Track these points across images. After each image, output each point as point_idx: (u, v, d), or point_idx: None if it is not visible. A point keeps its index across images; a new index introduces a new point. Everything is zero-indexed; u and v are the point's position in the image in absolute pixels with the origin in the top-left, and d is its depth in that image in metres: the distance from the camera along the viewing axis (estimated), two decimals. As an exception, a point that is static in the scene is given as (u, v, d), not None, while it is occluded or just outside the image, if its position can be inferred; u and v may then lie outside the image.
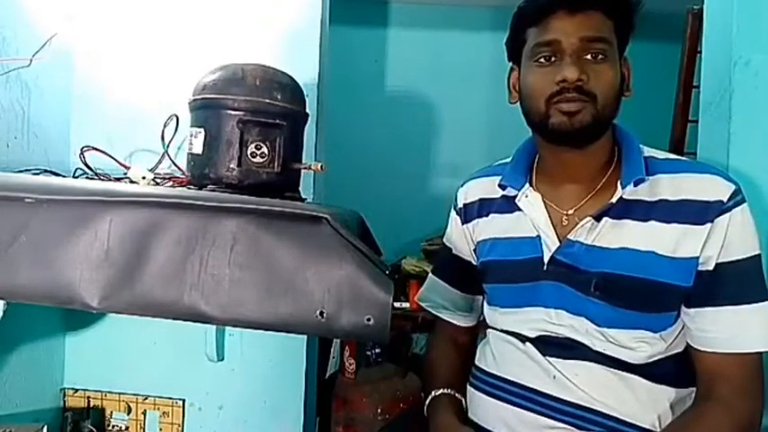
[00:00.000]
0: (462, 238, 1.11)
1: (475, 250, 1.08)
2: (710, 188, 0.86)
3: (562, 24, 0.87)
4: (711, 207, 0.84)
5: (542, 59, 0.89)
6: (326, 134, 1.62)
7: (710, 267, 0.84)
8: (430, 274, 1.18)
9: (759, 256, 0.85)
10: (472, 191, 1.10)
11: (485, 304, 1.08)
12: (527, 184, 0.98)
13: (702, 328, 0.85)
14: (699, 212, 0.84)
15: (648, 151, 0.94)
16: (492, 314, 1.03)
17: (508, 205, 1.01)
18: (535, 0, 0.91)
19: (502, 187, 1.02)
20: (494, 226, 1.03)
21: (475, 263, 1.09)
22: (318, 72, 1.49)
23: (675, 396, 0.89)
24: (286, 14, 1.49)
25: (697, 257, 0.84)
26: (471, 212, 1.08)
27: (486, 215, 1.05)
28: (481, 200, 1.07)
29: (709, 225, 0.83)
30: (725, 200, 0.84)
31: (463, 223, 1.10)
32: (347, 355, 1.97)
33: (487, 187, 1.06)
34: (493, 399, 0.97)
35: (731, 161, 1.11)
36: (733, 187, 0.86)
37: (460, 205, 1.11)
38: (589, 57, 0.87)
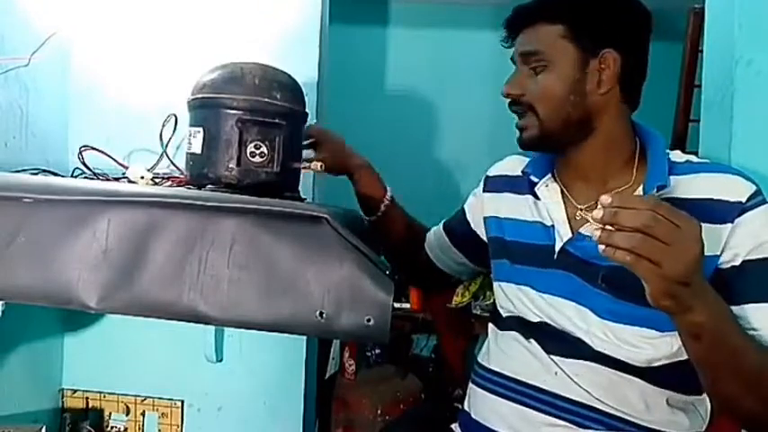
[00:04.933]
0: (477, 204, 1.17)
1: (485, 221, 1.12)
2: (730, 188, 0.85)
3: (515, 42, 0.96)
4: (732, 207, 0.84)
5: None
6: (326, 134, 1.61)
7: (737, 264, 0.83)
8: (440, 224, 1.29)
9: None
10: (502, 166, 1.14)
11: (493, 283, 1.10)
12: (549, 175, 1.00)
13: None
14: (718, 212, 0.84)
15: (674, 155, 0.94)
16: (501, 291, 1.04)
17: (528, 188, 1.03)
18: None
19: (524, 173, 1.04)
20: (513, 204, 1.05)
21: (473, 228, 1.17)
22: (318, 71, 1.49)
23: (677, 398, 0.89)
24: (285, 13, 1.48)
25: (716, 256, 0.83)
26: (493, 185, 1.13)
27: (507, 191, 1.08)
28: (506, 176, 1.11)
29: (729, 225, 0.83)
30: (744, 200, 0.84)
31: (483, 191, 1.15)
32: (347, 356, 1.97)
33: (516, 166, 1.09)
34: (493, 395, 0.97)
35: (733, 161, 1.11)
36: (754, 188, 0.86)
37: (488, 174, 1.16)
38: (529, 70, 0.93)
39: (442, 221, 1.28)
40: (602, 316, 0.88)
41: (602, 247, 0.68)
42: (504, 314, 1.02)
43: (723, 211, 0.84)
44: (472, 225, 1.19)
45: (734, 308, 0.82)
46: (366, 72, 2.75)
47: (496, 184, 1.12)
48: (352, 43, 2.62)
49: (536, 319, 0.95)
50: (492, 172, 1.15)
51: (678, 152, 0.95)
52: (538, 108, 0.92)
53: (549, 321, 0.93)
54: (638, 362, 0.87)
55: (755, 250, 0.83)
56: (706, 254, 0.83)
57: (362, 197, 1.23)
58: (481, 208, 1.14)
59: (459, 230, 1.22)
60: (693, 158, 0.94)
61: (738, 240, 0.83)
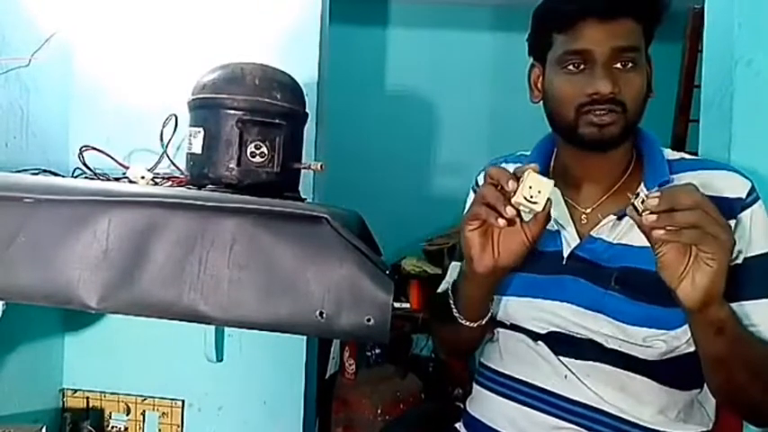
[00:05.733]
0: None
1: None
2: (729, 185, 0.86)
3: (593, 33, 0.85)
4: (733, 203, 0.85)
5: (571, 66, 0.87)
6: (326, 134, 1.62)
7: (739, 261, 0.84)
8: (452, 262, 1.12)
9: None
10: None
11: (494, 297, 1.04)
12: None
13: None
14: (720, 209, 0.84)
15: (667, 153, 0.94)
16: (502, 305, 0.99)
17: None
18: (561, 3, 0.89)
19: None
20: None
21: None
22: (318, 71, 1.49)
23: (683, 399, 0.89)
24: (286, 13, 1.48)
25: None
26: None
27: None
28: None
29: (732, 222, 0.83)
30: (743, 196, 0.85)
31: None
32: (347, 356, 1.97)
33: None
34: (500, 397, 0.96)
35: (733, 161, 1.11)
36: (749, 184, 0.87)
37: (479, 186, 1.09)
38: (619, 65, 0.86)
39: (452, 262, 1.11)
40: (616, 318, 0.87)
41: (660, 232, 0.69)
42: (509, 323, 1.00)
43: (725, 208, 0.83)
44: None
45: (733, 304, 0.82)
46: (366, 72, 2.75)
47: None
48: (352, 43, 2.62)
49: (543, 331, 0.93)
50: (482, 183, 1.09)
51: (670, 150, 0.95)
52: (628, 105, 0.86)
53: (557, 330, 0.92)
54: (648, 356, 0.87)
55: (755, 247, 0.84)
56: None
57: (481, 298, 0.92)
58: None
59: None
60: (686, 156, 0.95)
61: (739, 236, 0.84)
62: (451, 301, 0.94)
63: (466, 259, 0.84)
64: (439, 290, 1.12)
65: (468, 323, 0.92)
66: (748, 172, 0.90)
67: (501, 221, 0.77)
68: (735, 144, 1.12)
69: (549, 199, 0.75)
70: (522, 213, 0.78)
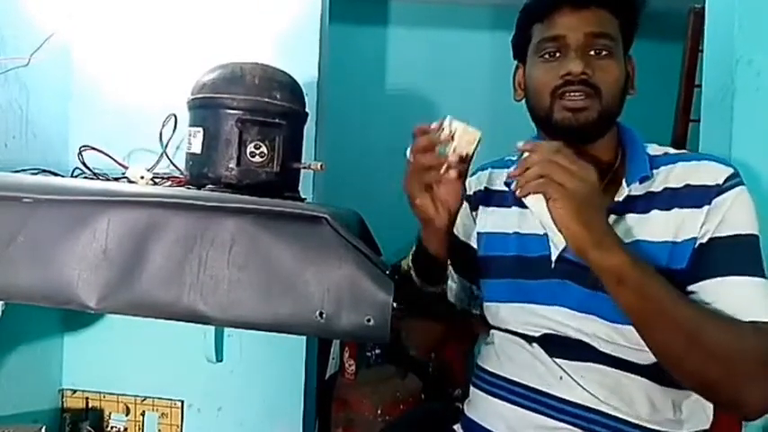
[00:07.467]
0: (470, 222, 1.10)
1: (478, 239, 1.08)
2: (709, 173, 0.87)
3: (567, 20, 0.89)
4: (710, 190, 0.85)
5: (547, 55, 0.91)
6: (326, 134, 1.62)
7: (704, 241, 0.84)
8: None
9: (756, 237, 0.85)
10: (476, 181, 1.11)
11: (484, 303, 1.06)
12: None
13: (702, 300, 0.83)
14: (698, 197, 0.86)
15: (651, 148, 0.95)
16: (494, 311, 1.01)
17: (514, 200, 1.01)
18: None
19: (507, 184, 1.02)
20: (498, 219, 1.03)
21: (465, 240, 1.09)
22: (318, 71, 1.49)
23: (679, 398, 0.88)
24: (285, 13, 1.48)
25: (695, 238, 0.84)
26: (477, 200, 1.09)
27: (491, 206, 1.06)
28: (486, 189, 1.08)
29: (707, 207, 0.84)
30: (721, 182, 0.85)
31: (471, 210, 1.10)
32: (347, 356, 1.97)
33: (494, 178, 1.07)
34: (496, 399, 0.96)
35: (733, 160, 1.11)
36: (730, 170, 0.87)
37: (469, 192, 1.10)
38: (593, 53, 0.89)
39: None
40: (607, 318, 0.88)
41: (521, 187, 0.80)
42: (503, 327, 1.01)
43: (702, 195, 0.85)
44: (465, 238, 1.10)
45: (693, 286, 0.83)
46: (366, 72, 2.74)
47: (480, 200, 1.08)
48: (352, 43, 2.62)
49: (537, 334, 0.94)
50: (472, 188, 1.09)
51: (655, 145, 0.96)
52: (604, 90, 0.88)
53: (550, 332, 0.92)
54: (643, 360, 0.87)
55: (724, 228, 0.84)
56: (686, 238, 0.84)
57: (439, 256, 0.97)
58: (471, 224, 1.09)
59: (458, 257, 1.08)
60: (671, 150, 0.95)
61: (711, 219, 0.84)
62: (413, 272, 1.00)
63: (423, 224, 0.93)
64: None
65: (430, 288, 0.99)
66: (748, 171, 0.90)
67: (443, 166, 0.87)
68: (735, 144, 1.12)
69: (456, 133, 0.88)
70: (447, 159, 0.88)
